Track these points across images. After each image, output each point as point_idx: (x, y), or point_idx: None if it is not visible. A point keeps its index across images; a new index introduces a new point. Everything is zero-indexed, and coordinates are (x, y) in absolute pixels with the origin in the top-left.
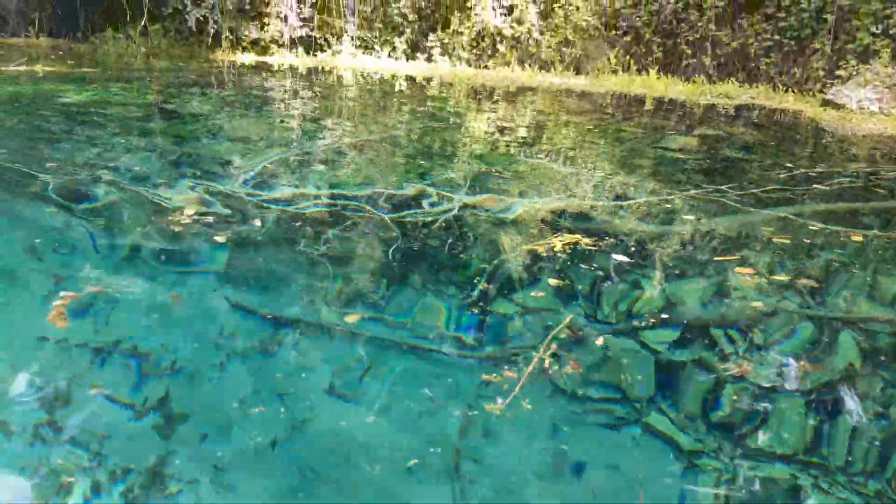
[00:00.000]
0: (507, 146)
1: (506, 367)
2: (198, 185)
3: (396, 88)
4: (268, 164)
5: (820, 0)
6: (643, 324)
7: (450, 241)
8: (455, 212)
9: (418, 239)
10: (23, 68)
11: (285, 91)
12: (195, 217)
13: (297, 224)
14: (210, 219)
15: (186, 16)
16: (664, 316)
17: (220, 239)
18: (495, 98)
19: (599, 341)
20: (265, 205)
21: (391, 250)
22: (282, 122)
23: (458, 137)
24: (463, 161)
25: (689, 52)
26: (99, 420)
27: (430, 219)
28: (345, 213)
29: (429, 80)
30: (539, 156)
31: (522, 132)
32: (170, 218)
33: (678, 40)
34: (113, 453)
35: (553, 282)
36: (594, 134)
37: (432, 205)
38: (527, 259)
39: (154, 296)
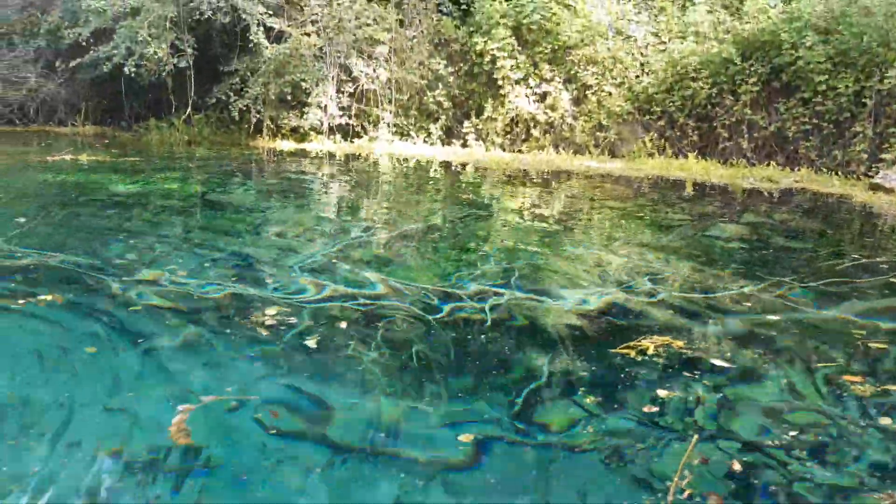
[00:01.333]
0: (550, 235)
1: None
2: (240, 283)
3: (432, 174)
4: (309, 261)
5: (857, 84)
6: (775, 441)
7: (510, 345)
8: (503, 307)
9: (475, 341)
10: (68, 157)
11: (324, 179)
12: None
13: (343, 324)
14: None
15: (230, 106)
16: (793, 433)
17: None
18: (532, 183)
19: (735, 466)
20: (305, 304)
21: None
22: (320, 213)
23: (498, 225)
24: (505, 251)
25: (726, 134)
26: None
27: (478, 316)
28: (387, 312)
29: (464, 165)
30: (584, 244)
31: (564, 218)
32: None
33: (714, 123)
34: None
35: (663, 393)
36: (639, 222)
37: (481, 300)
38: (622, 364)
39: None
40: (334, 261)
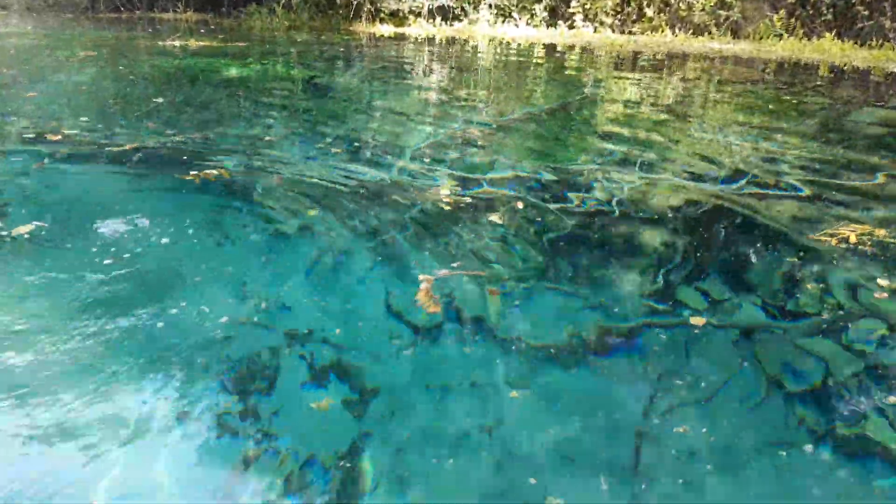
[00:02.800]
0: (674, 120)
1: None
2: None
3: (536, 57)
4: (422, 146)
5: None
6: None
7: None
8: (628, 194)
9: (604, 228)
10: (178, 43)
11: (426, 63)
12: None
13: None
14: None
15: None
16: None
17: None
18: (647, 66)
19: None
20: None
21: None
22: (425, 98)
23: (613, 111)
24: (623, 137)
25: (865, 12)
26: None
27: (601, 203)
28: (505, 199)
29: (571, 47)
30: (711, 129)
31: (685, 103)
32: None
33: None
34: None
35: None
36: (774, 105)
37: (601, 186)
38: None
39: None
40: (444, 147)
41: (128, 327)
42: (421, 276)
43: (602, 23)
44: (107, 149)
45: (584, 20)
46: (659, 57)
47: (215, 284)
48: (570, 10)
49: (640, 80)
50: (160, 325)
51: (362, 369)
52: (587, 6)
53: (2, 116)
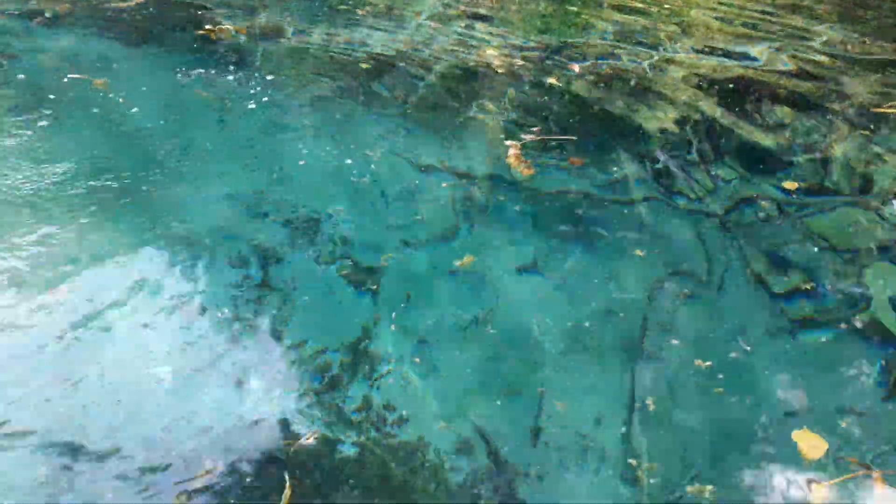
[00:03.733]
0: None
1: None
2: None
3: None
4: (429, 14)
5: None
6: None
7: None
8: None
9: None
10: None
11: None
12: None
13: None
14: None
15: None
16: None
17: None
18: None
19: None
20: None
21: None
22: None
23: None
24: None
25: None
26: None
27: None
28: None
29: None
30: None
31: None
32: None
33: None
34: None
35: None
36: None
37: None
38: None
39: None
40: (452, 15)
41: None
42: (508, 142)
43: None
44: (112, 4)
45: None
46: None
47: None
48: None
49: None
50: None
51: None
52: None
53: None
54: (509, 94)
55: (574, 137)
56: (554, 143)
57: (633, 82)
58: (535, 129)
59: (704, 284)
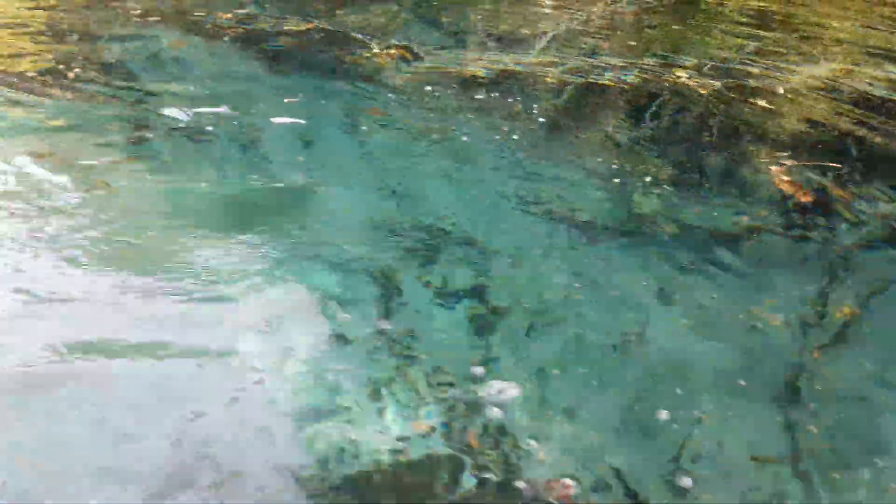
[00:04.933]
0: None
1: None
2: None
3: None
4: (556, 33)
5: None
6: None
7: None
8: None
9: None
10: None
11: None
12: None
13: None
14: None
15: None
16: None
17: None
18: None
19: None
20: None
21: None
22: None
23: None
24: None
25: None
26: None
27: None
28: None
29: None
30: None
31: None
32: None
33: None
34: None
35: None
36: None
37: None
38: None
39: None
40: (577, 35)
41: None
42: (773, 167)
43: None
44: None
45: None
46: None
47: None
48: None
49: None
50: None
51: None
52: None
53: None
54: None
55: (838, 165)
56: (819, 168)
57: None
58: (785, 153)
59: None
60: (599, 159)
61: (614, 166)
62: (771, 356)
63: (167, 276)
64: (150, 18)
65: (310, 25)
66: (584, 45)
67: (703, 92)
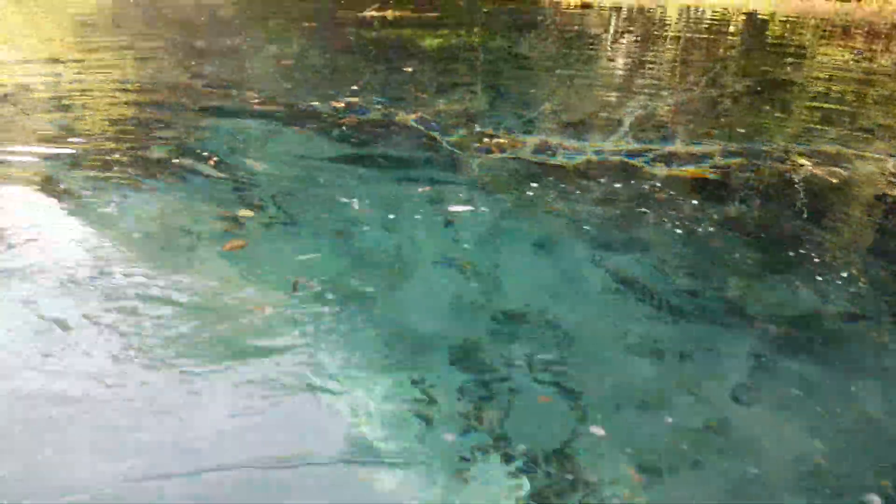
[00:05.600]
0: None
1: None
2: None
3: (733, 27)
4: (632, 118)
5: None
6: None
7: None
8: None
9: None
10: (376, 13)
11: (616, 33)
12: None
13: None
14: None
15: None
16: None
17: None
18: (863, 36)
19: None
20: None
21: None
22: (621, 69)
23: (822, 85)
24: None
25: None
26: None
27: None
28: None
29: (773, 16)
30: None
31: None
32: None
33: None
34: None
35: None
36: None
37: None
38: None
39: None
40: (662, 119)
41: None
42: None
43: None
44: (332, 118)
45: None
46: (877, 28)
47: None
48: None
49: (856, 51)
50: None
51: None
52: None
53: (229, 86)
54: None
55: None
56: None
57: None
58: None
59: None
60: (685, 243)
61: (702, 250)
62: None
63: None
64: (268, 107)
65: (413, 115)
66: (665, 131)
67: (789, 175)
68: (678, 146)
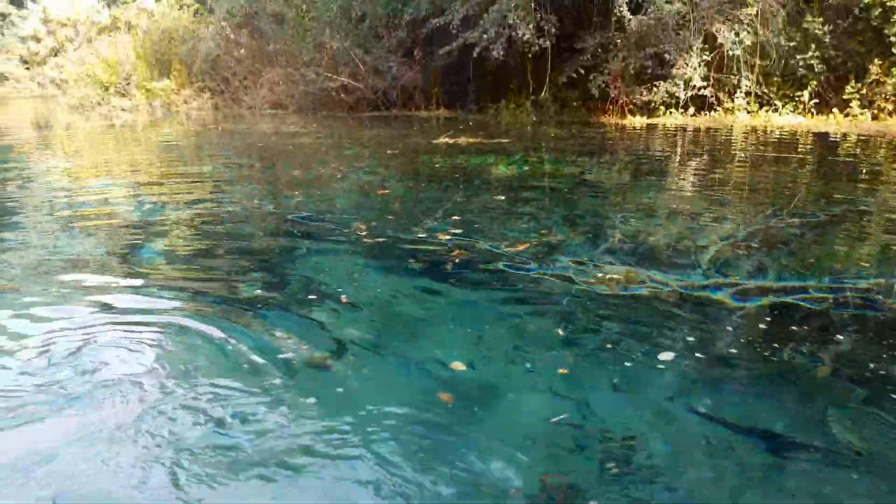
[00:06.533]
0: None
1: None
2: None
3: (806, 147)
4: (717, 248)
5: None
6: None
7: None
8: None
9: None
10: (449, 140)
11: (686, 156)
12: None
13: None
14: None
15: (589, 83)
16: None
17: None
18: None
19: None
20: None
21: None
22: (696, 194)
23: None
24: None
25: None
26: None
27: None
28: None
29: (845, 137)
30: None
31: None
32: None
33: None
34: None
35: None
36: None
37: None
38: None
39: None
40: (742, 250)
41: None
42: None
43: (882, 109)
44: (429, 247)
45: (861, 106)
46: None
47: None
48: (844, 97)
49: None
50: None
51: None
52: (863, 91)
53: (320, 216)
54: None
55: None
56: None
57: None
58: None
59: None
60: (789, 383)
61: (808, 391)
62: None
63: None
64: (369, 239)
65: (518, 247)
66: (747, 263)
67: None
68: (764, 280)
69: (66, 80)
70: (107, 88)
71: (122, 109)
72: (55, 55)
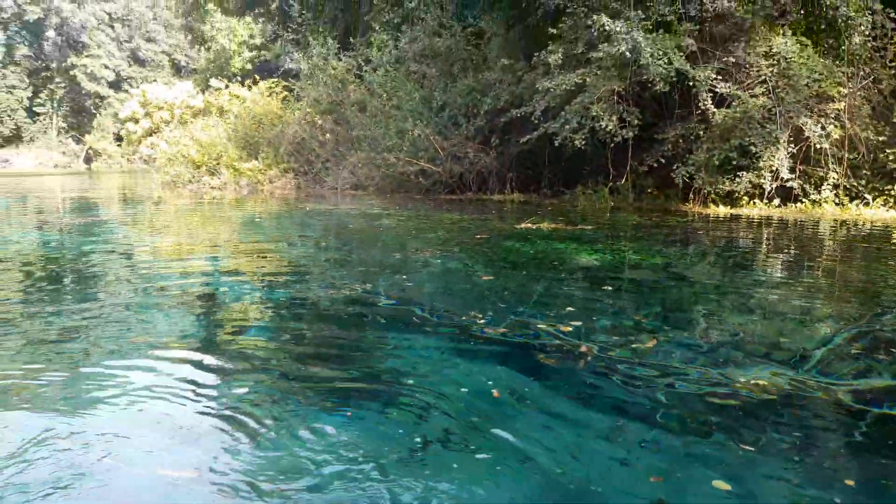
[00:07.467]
0: None
1: None
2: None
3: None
4: (813, 347)
5: None
6: None
7: None
8: None
9: None
10: (532, 226)
11: (780, 248)
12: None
13: None
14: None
15: (673, 172)
16: None
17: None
18: None
19: None
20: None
21: None
22: (791, 290)
23: None
24: None
25: None
26: None
27: None
28: None
29: None
30: None
31: None
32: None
33: None
34: None
35: None
36: None
37: None
38: None
39: None
40: (845, 349)
41: None
42: None
43: None
44: (517, 339)
45: None
46: None
47: None
48: None
49: None
50: None
51: None
52: None
53: (411, 302)
54: None
55: None
56: None
57: None
58: None
59: None
60: None
61: None
62: None
63: None
64: (473, 328)
65: (650, 343)
66: (855, 364)
67: None
68: (880, 380)
69: (159, 157)
70: (198, 167)
71: (212, 187)
72: (150, 135)
